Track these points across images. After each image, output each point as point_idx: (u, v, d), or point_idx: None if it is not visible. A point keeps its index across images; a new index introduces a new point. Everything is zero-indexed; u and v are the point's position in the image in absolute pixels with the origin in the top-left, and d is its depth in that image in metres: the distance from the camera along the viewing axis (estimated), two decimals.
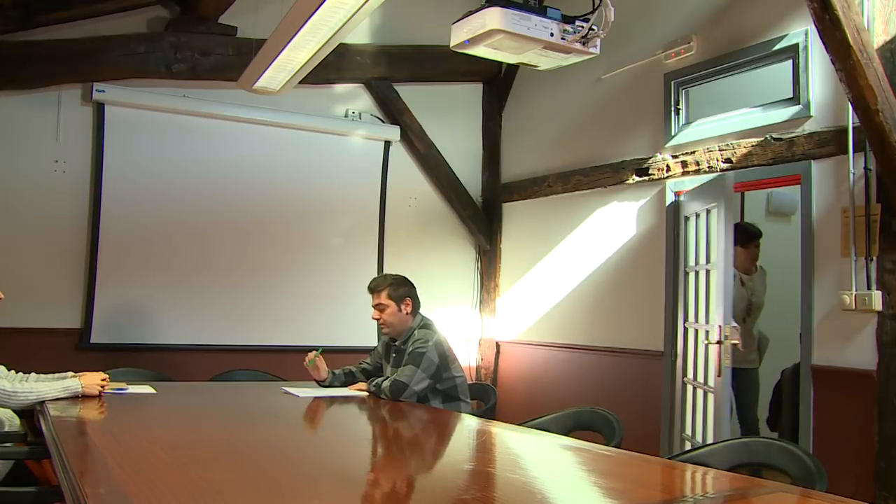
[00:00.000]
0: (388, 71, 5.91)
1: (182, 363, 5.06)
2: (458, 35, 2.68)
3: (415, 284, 3.84)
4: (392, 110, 5.97)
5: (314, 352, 3.79)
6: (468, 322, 6.33)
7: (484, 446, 2.74)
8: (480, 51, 2.73)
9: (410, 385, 3.49)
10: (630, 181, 5.02)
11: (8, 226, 4.86)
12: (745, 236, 4.93)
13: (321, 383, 3.81)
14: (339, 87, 5.90)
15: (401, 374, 3.53)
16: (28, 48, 4.78)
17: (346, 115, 5.88)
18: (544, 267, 5.81)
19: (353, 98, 5.95)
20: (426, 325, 3.75)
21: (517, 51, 2.71)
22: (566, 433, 3.10)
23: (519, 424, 3.08)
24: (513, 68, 6.19)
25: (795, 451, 2.34)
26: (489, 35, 2.58)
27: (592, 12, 2.64)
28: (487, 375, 6.19)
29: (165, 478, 1.93)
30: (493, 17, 2.53)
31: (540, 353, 5.76)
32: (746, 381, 4.88)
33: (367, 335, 5.58)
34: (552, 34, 2.63)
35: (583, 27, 2.66)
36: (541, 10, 2.61)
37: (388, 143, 5.97)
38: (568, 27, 2.65)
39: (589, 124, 5.53)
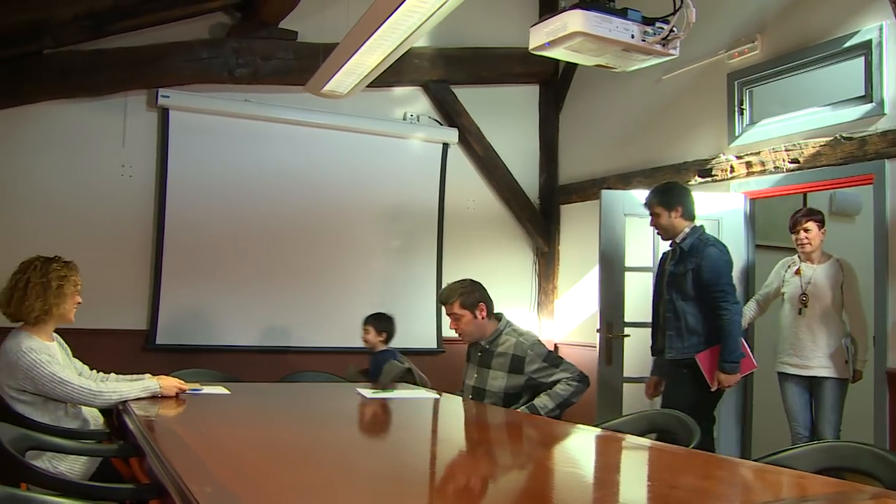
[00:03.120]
0: (446, 73, 5.93)
1: (245, 364, 5.11)
2: (538, 38, 2.66)
3: (482, 284, 3.84)
4: (450, 112, 5.99)
5: None
6: (526, 323, 6.31)
7: (565, 448, 2.74)
8: (559, 53, 2.71)
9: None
10: (692, 182, 4.96)
11: (77, 229, 4.98)
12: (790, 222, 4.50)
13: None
14: (398, 90, 5.94)
15: (564, 371, 3.59)
16: (96, 56, 4.89)
17: (404, 118, 5.92)
18: None
19: (412, 101, 5.99)
20: (511, 325, 3.80)
21: (596, 53, 2.69)
22: (641, 435, 3.07)
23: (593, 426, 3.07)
24: (570, 69, 6.17)
25: (888, 455, 2.29)
26: (570, 37, 2.55)
27: (674, 13, 2.62)
28: None
29: (264, 477, 1.96)
30: (575, 20, 2.51)
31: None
32: (818, 392, 4.35)
33: (427, 337, 5.61)
34: (633, 36, 2.60)
35: (663, 28, 2.63)
36: (622, 12, 2.59)
37: (446, 146, 6.00)
38: (648, 29, 2.62)
39: (649, 125, 5.49)
